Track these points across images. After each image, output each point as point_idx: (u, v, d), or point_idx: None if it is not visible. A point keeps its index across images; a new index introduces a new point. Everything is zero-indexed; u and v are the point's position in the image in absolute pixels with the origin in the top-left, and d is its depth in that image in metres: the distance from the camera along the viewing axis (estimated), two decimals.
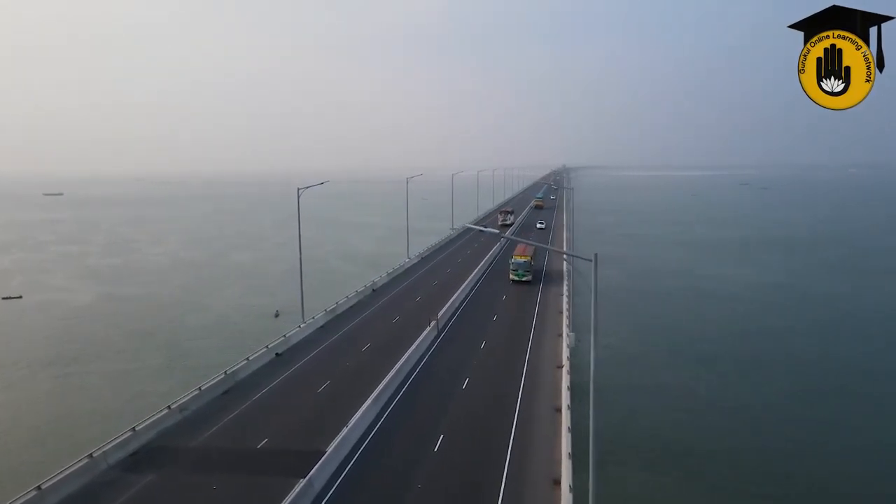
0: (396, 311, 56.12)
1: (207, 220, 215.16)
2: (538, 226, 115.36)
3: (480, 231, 16.32)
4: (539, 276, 70.45)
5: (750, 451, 40.67)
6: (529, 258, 67.56)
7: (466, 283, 65.20)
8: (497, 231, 15.91)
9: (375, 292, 63.79)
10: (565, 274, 68.96)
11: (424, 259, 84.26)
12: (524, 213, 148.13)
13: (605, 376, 51.85)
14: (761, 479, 37.48)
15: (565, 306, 55.02)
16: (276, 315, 75.52)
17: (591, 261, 15.92)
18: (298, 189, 51.45)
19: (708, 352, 59.55)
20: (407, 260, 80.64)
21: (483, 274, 72.27)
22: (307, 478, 26.00)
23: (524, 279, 66.41)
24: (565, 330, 47.49)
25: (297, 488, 25.25)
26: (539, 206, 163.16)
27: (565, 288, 62.26)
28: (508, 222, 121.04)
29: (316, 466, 26.89)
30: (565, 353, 42.14)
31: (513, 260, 67.82)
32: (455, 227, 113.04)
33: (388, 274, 71.25)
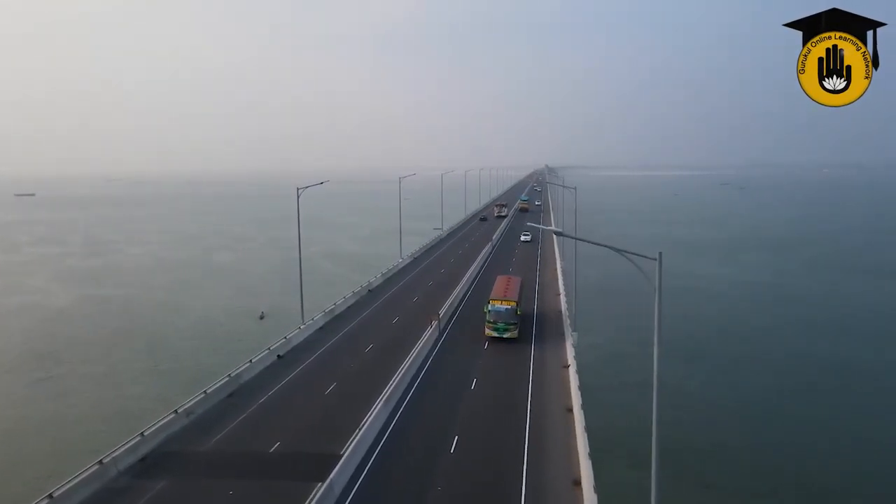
0: (395, 311, 55.69)
1: (186, 221, 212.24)
2: (522, 238, 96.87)
3: (553, 232, 15.67)
4: (528, 326, 49.05)
5: (740, 448, 41.17)
6: (515, 303, 45.19)
7: (462, 283, 64.90)
8: (561, 230, 15.58)
9: (371, 293, 63.27)
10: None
11: (416, 259, 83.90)
12: (509, 215, 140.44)
13: (599, 375, 52.45)
14: (752, 475, 37.92)
15: (564, 306, 55.03)
16: (261, 317, 74.83)
17: (655, 259, 15.80)
18: (298, 189, 50.82)
19: (694, 349, 60.24)
20: (400, 260, 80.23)
21: (478, 274, 72.06)
22: (328, 481, 25.52)
23: (506, 336, 44.57)
24: (568, 330, 47.42)
25: (318, 492, 24.78)
26: (524, 210, 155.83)
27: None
28: (503, 214, 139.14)
29: (335, 470, 26.41)
30: (570, 352, 42.07)
31: (490, 307, 45.03)
32: (439, 227, 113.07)
33: (383, 274, 70.75)
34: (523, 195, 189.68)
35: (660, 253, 16.05)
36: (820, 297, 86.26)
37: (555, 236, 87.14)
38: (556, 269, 72.40)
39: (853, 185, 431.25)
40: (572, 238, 16.44)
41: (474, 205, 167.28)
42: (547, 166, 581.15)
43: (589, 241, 17.33)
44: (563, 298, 58.09)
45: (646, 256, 16.19)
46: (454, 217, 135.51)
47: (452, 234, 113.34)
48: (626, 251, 16.03)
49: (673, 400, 47.84)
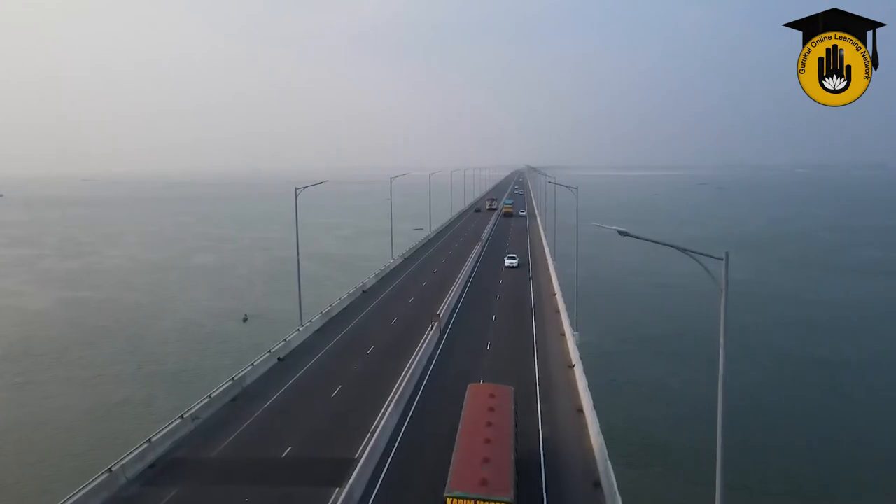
0: (392, 312, 55.15)
1: (165, 222, 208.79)
2: (507, 263, 75.27)
3: (618, 231, 14.66)
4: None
5: (731, 445, 40.99)
6: (510, 499, 20.17)
7: (457, 283, 64.61)
8: (625, 230, 15.12)
9: (366, 294, 62.64)
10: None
11: (408, 260, 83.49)
12: (491, 223, 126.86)
13: (593, 374, 52.29)
14: (740, 472, 37.99)
15: (563, 306, 55.00)
16: (245, 319, 73.48)
17: (722, 259, 15.62)
18: (296, 189, 50.03)
19: (681, 348, 60.56)
20: (392, 261, 79.73)
21: (471, 274, 71.85)
22: (347, 486, 24.97)
23: None
24: (569, 329, 47.37)
25: (340, 498, 24.23)
26: (508, 214, 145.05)
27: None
28: (494, 207, 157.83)
29: (354, 474, 25.86)
30: (575, 352, 42.00)
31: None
32: (419, 227, 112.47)
33: (376, 275, 70.14)
34: (507, 198, 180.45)
35: (726, 253, 15.87)
36: (787, 292, 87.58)
37: (548, 251, 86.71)
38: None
39: (823, 185, 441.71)
40: (637, 238, 16.03)
41: (459, 205, 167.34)
42: (528, 166, 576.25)
43: (654, 241, 17.02)
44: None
45: (712, 256, 16.01)
46: (439, 217, 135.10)
47: (441, 233, 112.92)
48: (691, 251, 15.83)
49: (655, 397, 48.30)
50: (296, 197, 49.66)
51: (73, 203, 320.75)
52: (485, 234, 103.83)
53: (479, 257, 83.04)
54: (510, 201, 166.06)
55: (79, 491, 24.41)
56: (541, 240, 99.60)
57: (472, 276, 70.99)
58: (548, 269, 73.51)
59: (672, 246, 16.44)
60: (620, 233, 16.86)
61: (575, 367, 39.63)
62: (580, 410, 33.67)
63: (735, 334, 65.60)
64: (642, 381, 51.30)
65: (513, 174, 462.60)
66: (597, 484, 26.53)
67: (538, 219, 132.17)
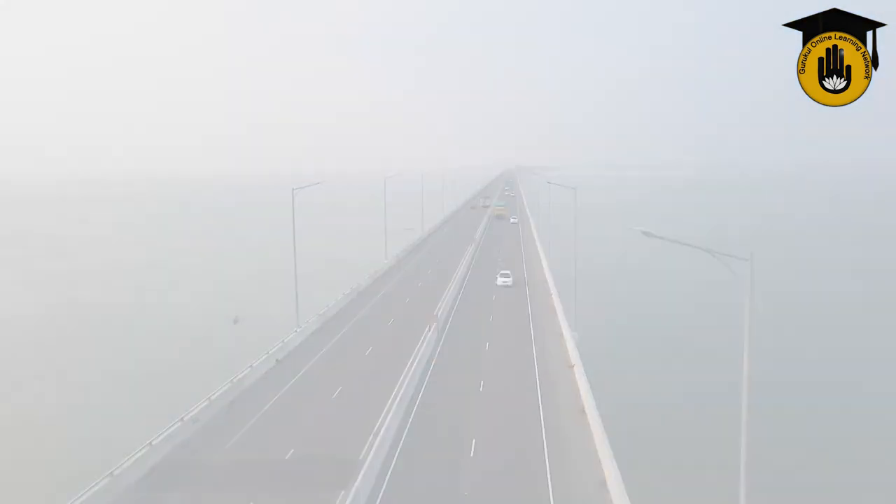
0: (389, 313, 55.01)
1: (151, 223, 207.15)
2: (500, 281, 65.67)
3: (643, 232, 14.58)
4: None
5: (716, 441, 41.31)
6: None
7: (453, 283, 64.56)
8: (648, 230, 15.13)
9: (362, 294, 62.41)
10: None
11: (402, 260, 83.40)
12: (483, 224, 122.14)
13: (593, 374, 52.28)
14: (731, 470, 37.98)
15: (560, 306, 55.07)
16: (235, 321, 72.68)
17: (747, 260, 15.61)
18: (293, 189, 49.79)
19: (681, 347, 60.69)
20: (386, 261, 79.53)
21: (467, 274, 71.83)
22: (353, 489, 24.80)
23: None
24: (567, 330, 47.42)
25: (347, 500, 24.05)
26: (501, 216, 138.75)
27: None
28: (487, 205, 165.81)
29: (359, 476, 25.69)
30: (574, 352, 42.02)
31: None
32: (409, 227, 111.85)
33: (371, 276, 69.93)
34: (497, 200, 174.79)
35: (751, 253, 15.86)
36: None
37: (542, 251, 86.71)
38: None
39: (812, 183, 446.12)
40: (660, 238, 16.00)
41: (451, 206, 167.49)
42: (518, 166, 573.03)
43: (677, 242, 16.97)
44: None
45: (736, 257, 16.01)
46: (432, 217, 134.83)
47: (434, 234, 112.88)
48: (715, 251, 15.82)
49: (664, 396, 48.31)
50: (293, 198, 49.43)
51: (55, 202, 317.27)
52: (478, 234, 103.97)
53: (473, 257, 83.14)
54: (501, 203, 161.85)
55: (81, 494, 24.06)
56: (534, 240, 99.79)
57: (468, 277, 70.96)
58: (543, 269, 73.63)
59: (697, 247, 16.44)
60: (644, 233, 16.81)
61: (575, 368, 39.69)
62: (582, 411, 33.70)
63: (734, 333, 66.04)
64: (643, 381, 51.18)
65: (503, 174, 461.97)
66: (602, 484, 26.55)
67: (531, 220, 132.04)
